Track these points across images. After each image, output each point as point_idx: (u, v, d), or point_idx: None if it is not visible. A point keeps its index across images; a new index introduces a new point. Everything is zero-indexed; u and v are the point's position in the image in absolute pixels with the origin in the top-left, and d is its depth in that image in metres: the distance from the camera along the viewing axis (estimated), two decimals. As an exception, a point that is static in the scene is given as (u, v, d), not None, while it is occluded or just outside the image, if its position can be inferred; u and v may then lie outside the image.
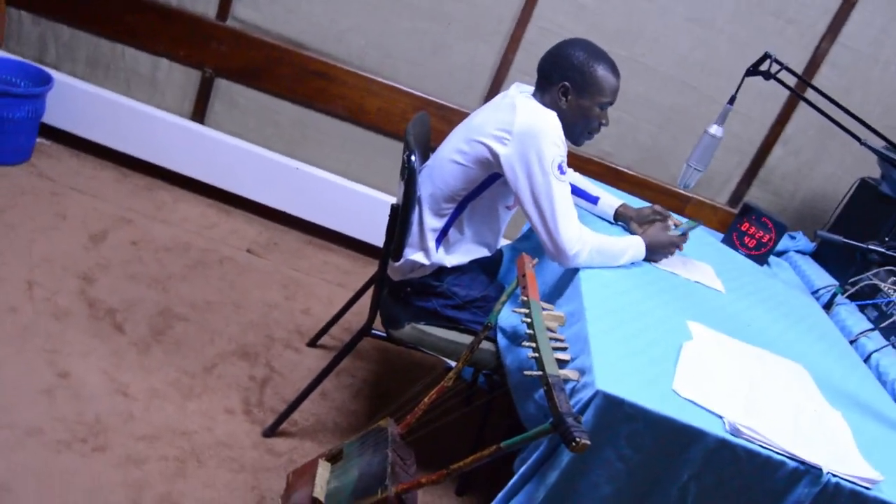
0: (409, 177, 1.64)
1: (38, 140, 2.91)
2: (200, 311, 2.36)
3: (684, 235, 1.89)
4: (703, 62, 2.66)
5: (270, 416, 2.03)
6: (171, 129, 2.88)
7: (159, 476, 1.75)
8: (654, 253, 1.83)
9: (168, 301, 2.34)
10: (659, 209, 1.97)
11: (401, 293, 1.87)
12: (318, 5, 2.70)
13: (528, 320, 1.44)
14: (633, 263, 1.79)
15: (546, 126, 1.60)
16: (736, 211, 2.82)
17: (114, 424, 1.84)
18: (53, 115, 2.89)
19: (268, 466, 1.89)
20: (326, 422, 2.10)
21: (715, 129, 1.86)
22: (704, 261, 2.06)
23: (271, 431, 1.97)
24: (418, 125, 1.89)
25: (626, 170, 2.84)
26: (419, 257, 1.80)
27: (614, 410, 1.23)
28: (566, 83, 1.70)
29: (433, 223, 1.78)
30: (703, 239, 2.29)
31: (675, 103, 2.73)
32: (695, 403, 1.29)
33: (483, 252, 1.88)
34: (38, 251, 2.34)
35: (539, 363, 1.32)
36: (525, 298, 1.50)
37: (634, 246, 1.78)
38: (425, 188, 1.78)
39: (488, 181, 1.70)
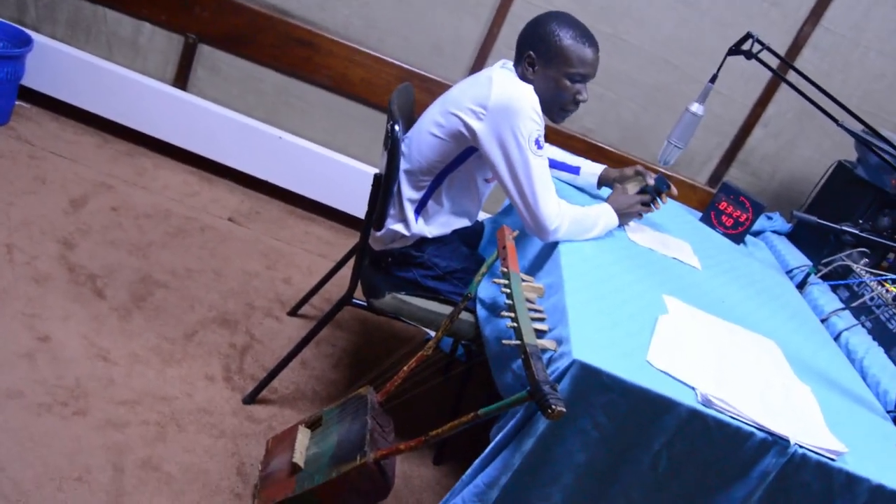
0: (392, 146, 1.65)
1: (18, 103, 2.87)
2: (181, 278, 2.35)
3: (648, 195, 1.92)
4: (686, 42, 2.68)
5: (250, 383, 2.05)
6: (152, 94, 2.85)
7: (140, 440, 1.76)
8: (623, 216, 1.86)
9: (148, 268, 2.34)
10: (640, 169, 1.97)
11: (382, 263, 1.88)
12: (304, -27, 2.67)
13: (508, 290, 1.47)
14: (610, 234, 1.82)
15: (522, 100, 1.60)
16: (715, 191, 2.86)
17: (94, 389, 1.85)
18: (33, 77, 2.85)
19: (247, 433, 1.90)
20: (306, 390, 2.12)
21: (696, 107, 1.88)
22: (682, 238, 2.09)
23: (251, 399, 1.99)
24: (403, 95, 1.89)
25: (608, 147, 2.86)
26: (400, 228, 1.82)
27: (590, 380, 1.26)
28: (531, 52, 1.69)
29: (412, 195, 1.79)
30: (682, 217, 2.33)
31: (658, 82, 2.75)
32: (668, 375, 1.32)
33: (464, 222, 1.90)
34: (16, 215, 2.32)
35: (517, 333, 1.35)
36: (505, 269, 1.52)
37: (605, 213, 1.80)
38: (404, 160, 1.78)
39: (464, 155, 1.71)
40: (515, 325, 1.37)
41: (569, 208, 1.69)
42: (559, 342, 1.34)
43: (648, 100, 2.78)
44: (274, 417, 1.99)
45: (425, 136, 1.74)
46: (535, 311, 1.46)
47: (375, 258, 1.90)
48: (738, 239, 2.29)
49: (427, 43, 2.75)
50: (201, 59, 2.84)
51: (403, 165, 1.79)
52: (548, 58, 1.69)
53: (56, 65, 2.83)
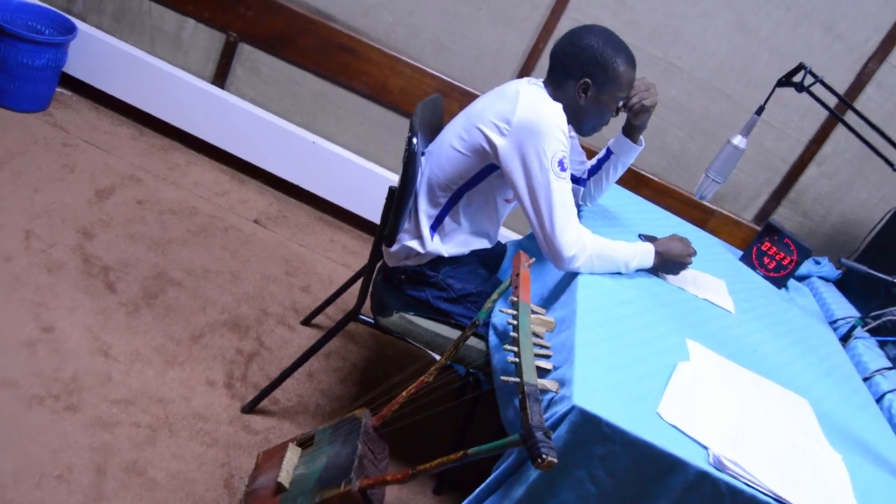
0: (408, 160, 1.57)
1: (58, 90, 2.90)
2: (196, 277, 2.31)
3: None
4: (741, 71, 2.54)
5: (252, 392, 1.98)
6: (191, 90, 2.84)
7: (128, 442, 1.71)
8: (666, 264, 1.73)
9: (165, 264, 2.30)
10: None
11: (394, 280, 1.80)
12: (348, -23, 2.63)
13: (514, 322, 1.37)
14: (637, 272, 1.70)
15: (549, 118, 1.51)
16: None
17: (90, 384, 1.80)
18: (75, 66, 2.87)
19: (241, 443, 1.84)
20: (309, 404, 2.05)
21: (738, 140, 1.75)
22: (719, 277, 1.95)
23: (250, 408, 1.92)
24: (429, 108, 1.81)
25: (650, 175, 2.73)
26: (414, 244, 1.73)
27: (590, 428, 1.15)
28: (587, 79, 1.61)
29: (428, 210, 1.71)
30: (721, 255, 2.19)
31: (708, 111, 2.61)
32: (678, 430, 1.20)
33: (483, 243, 1.80)
34: (40, 201, 2.31)
35: (518, 369, 1.25)
36: (515, 299, 1.42)
37: (642, 254, 1.68)
38: (423, 174, 1.70)
39: (484, 172, 1.62)
40: (517, 360, 1.27)
41: (593, 240, 1.57)
42: (562, 383, 1.23)
43: (696, 128, 2.64)
44: (271, 430, 1.91)
45: (446, 149, 1.65)
46: (542, 346, 1.35)
47: (388, 274, 1.82)
48: (779, 283, 2.13)
49: (470, 56, 2.68)
50: (241, 58, 2.82)
51: (422, 180, 1.71)
52: (603, 83, 1.62)
53: (98, 55, 2.84)
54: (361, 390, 2.18)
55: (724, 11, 2.47)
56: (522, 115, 1.52)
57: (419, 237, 1.73)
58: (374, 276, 1.89)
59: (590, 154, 1.99)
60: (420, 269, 1.75)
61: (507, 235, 2.80)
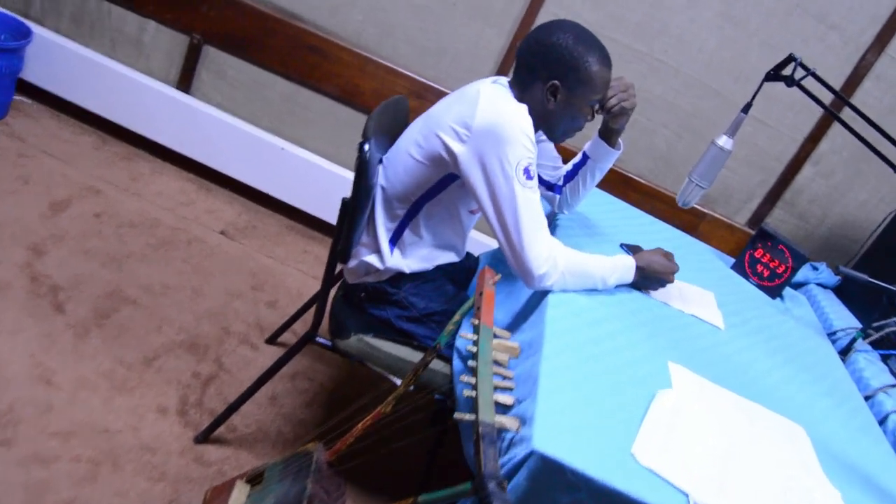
0: (359, 169, 1.43)
1: (17, 98, 2.76)
2: (154, 295, 2.17)
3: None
4: (730, 65, 2.40)
5: (207, 418, 1.84)
6: (154, 96, 2.70)
7: (66, 479, 1.57)
8: (647, 279, 1.59)
9: (120, 282, 2.17)
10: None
11: (355, 298, 1.66)
12: (315, -26, 2.49)
13: (475, 349, 1.23)
14: (618, 288, 1.56)
15: (512, 122, 1.36)
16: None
17: (28, 416, 1.67)
18: (33, 71, 2.74)
19: (192, 477, 1.70)
20: (269, 430, 1.91)
21: (724, 141, 1.61)
22: (708, 288, 1.81)
23: (204, 437, 1.79)
24: (389, 112, 1.67)
25: (636, 177, 2.59)
26: (373, 260, 1.59)
27: (552, 475, 1.01)
28: (556, 81, 1.47)
29: (386, 223, 1.57)
30: (710, 262, 2.05)
31: (696, 108, 2.47)
32: (655, 473, 1.06)
33: (449, 256, 1.67)
34: (-13, 216, 2.18)
35: (474, 405, 1.11)
36: (476, 322, 1.28)
37: (622, 269, 1.54)
38: (381, 183, 1.57)
39: (444, 181, 1.48)
40: (474, 393, 1.13)
41: (566, 254, 1.43)
42: (523, 421, 1.09)
43: (684, 127, 2.50)
44: (226, 461, 1.78)
45: (403, 157, 1.52)
46: (504, 376, 1.21)
47: (348, 292, 1.68)
48: (774, 292, 1.99)
49: (445, 54, 2.53)
50: (206, 61, 2.68)
51: (379, 190, 1.57)
52: (574, 85, 1.47)
53: (57, 60, 2.70)
54: (328, 414, 2.04)
55: (712, 2, 2.33)
56: (483, 118, 1.37)
57: (378, 252, 1.59)
58: (334, 293, 1.76)
59: (568, 156, 1.84)
60: (381, 286, 1.61)
61: (486, 244, 2.66)
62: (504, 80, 1.52)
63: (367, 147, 1.42)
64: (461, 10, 2.47)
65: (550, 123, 1.53)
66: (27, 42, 2.58)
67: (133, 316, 2.07)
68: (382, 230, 1.57)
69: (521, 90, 1.50)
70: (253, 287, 2.40)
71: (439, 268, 1.66)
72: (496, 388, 1.17)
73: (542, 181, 1.80)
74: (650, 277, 1.58)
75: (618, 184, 2.57)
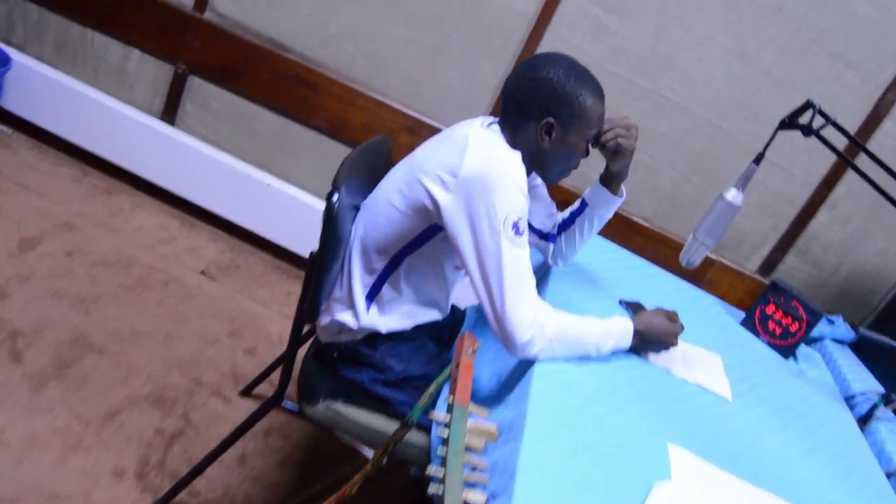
0: (327, 220, 1.29)
1: (-5, 127, 2.66)
2: (122, 342, 2.04)
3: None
4: (740, 104, 2.26)
5: (169, 482, 1.70)
6: (137, 128, 2.60)
7: (3, 555, 1.43)
8: (647, 343, 1.44)
9: (87, 327, 2.03)
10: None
11: (327, 357, 1.51)
12: (305, 4, 2.38)
13: (446, 433, 1.08)
14: (614, 353, 1.40)
15: (503, 171, 1.24)
16: (767, 281, 2.41)
17: (-32, 480, 1.53)
18: (13, 100, 2.64)
19: (145, 551, 1.55)
20: (236, 495, 1.76)
21: (732, 195, 1.46)
22: (714, 349, 1.66)
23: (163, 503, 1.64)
24: (367, 155, 1.54)
25: (640, 220, 2.45)
26: (347, 318, 1.45)
27: None
28: (550, 119, 1.34)
29: (363, 277, 1.43)
30: (718, 318, 1.89)
31: (705, 149, 2.33)
32: None
33: (431, 314, 1.52)
34: (-52, 255, 2.06)
35: (440, 501, 0.96)
36: (450, 399, 1.13)
37: (618, 333, 1.39)
38: (358, 233, 1.43)
39: (428, 233, 1.34)
40: (440, 489, 0.98)
41: (554, 320, 1.28)
42: (495, 527, 0.94)
43: (692, 168, 2.36)
44: (185, 532, 1.63)
45: (383, 206, 1.38)
46: (476, 467, 1.06)
47: (320, 350, 1.54)
48: (786, 352, 1.84)
49: (439, 88, 2.41)
50: (191, 92, 2.57)
51: (356, 241, 1.43)
52: (568, 121, 1.35)
53: (38, 89, 2.60)
54: (303, 477, 1.89)
55: (721, 37, 2.21)
56: (471, 166, 1.24)
57: (352, 309, 1.45)
58: (306, 349, 1.62)
59: (567, 197, 1.70)
60: (354, 346, 1.47)
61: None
62: (496, 123, 1.39)
63: (336, 197, 1.28)
64: (456, 42, 2.35)
65: (545, 164, 1.41)
66: (6, 70, 2.49)
67: (97, 365, 1.93)
68: (358, 285, 1.43)
69: (512, 131, 1.37)
70: (231, 333, 2.26)
71: (420, 326, 1.51)
72: (466, 483, 1.02)
73: (534, 229, 1.66)
74: (651, 342, 1.43)
75: (621, 227, 2.43)
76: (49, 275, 2.16)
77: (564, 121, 1.35)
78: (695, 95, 2.28)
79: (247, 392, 2.07)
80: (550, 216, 1.66)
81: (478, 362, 1.55)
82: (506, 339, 1.26)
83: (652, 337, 1.42)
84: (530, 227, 1.65)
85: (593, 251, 1.87)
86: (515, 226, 1.23)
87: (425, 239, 1.35)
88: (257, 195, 2.58)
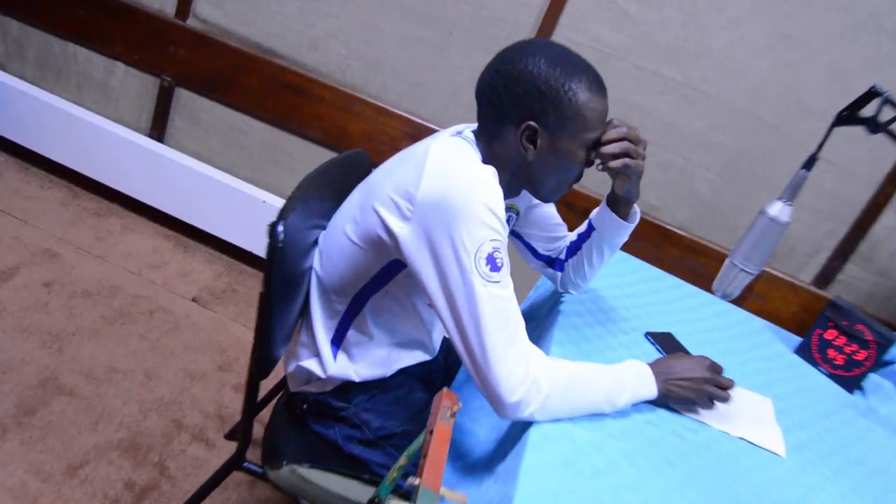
0: (269, 257, 1.07)
1: (-20, 151, 2.52)
2: (96, 382, 1.85)
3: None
4: (788, 93, 1.97)
5: (132, 548, 1.49)
6: (125, 146, 2.42)
7: None
8: (676, 393, 1.16)
9: (58, 366, 1.85)
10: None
11: (297, 409, 1.29)
12: (290, 4, 2.17)
13: (408, 529, 0.84)
14: (635, 407, 1.14)
15: (469, 192, 0.98)
16: (825, 294, 2.10)
17: None
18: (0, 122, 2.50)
19: None
20: (209, 562, 1.54)
21: (778, 209, 1.18)
22: (763, 388, 1.38)
23: (122, 577, 1.43)
24: (334, 174, 1.31)
25: (676, 229, 2.16)
26: (313, 365, 1.22)
27: None
28: (531, 123, 1.07)
29: (325, 321, 1.20)
30: (768, 347, 1.61)
31: (747, 146, 2.04)
32: None
33: (415, 356, 1.28)
34: None
35: None
36: (415, 482, 0.89)
37: (634, 381, 1.11)
38: (316, 268, 1.20)
39: (388, 271, 1.11)
40: None
41: (552, 371, 1.02)
42: None
43: (731, 169, 2.07)
44: None
45: (338, 237, 1.15)
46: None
47: (290, 400, 1.31)
48: (852, 385, 1.54)
49: (442, 90, 2.18)
50: (179, 105, 2.39)
51: (314, 278, 1.21)
52: (558, 123, 1.07)
53: (21, 108, 2.46)
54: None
55: (760, 18, 1.92)
56: (430, 187, 1.00)
57: (318, 356, 1.22)
58: (278, 397, 1.40)
59: (590, 205, 1.44)
60: (324, 398, 1.24)
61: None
62: (470, 131, 1.14)
63: (280, 230, 1.05)
64: (458, 40, 2.11)
65: (534, 179, 1.14)
66: (-16, 90, 2.34)
67: (65, 410, 1.74)
68: (321, 329, 1.21)
69: (488, 141, 1.12)
70: (220, 367, 2.06)
71: (404, 371, 1.27)
72: None
73: (539, 256, 1.40)
74: (681, 391, 1.15)
75: (653, 237, 2.15)
76: (21, 309, 1.98)
77: (552, 124, 1.07)
78: (732, 86, 1.99)
79: (233, 435, 1.86)
80: (555, 239, 1.40)
81: (477, 409, 1.31)
82: (492, 400, 1.00)
83: (681, 383, 1.15)
84: (533, 252, 1.40)
85: (614, 270, 1.61)
86: (491, 259, 0.98)
87: (387, 277, 1.12)
88: (252, 213, 2.38)
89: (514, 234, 1.38)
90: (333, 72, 2.22)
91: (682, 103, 2.02)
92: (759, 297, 2.15)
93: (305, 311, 1.23)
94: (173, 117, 2.41)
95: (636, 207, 1.29)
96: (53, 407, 1.74)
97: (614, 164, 1.11)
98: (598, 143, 1.11)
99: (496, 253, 0.98)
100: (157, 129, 2.43)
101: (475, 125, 1.16)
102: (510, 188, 1.14)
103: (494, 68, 1.10)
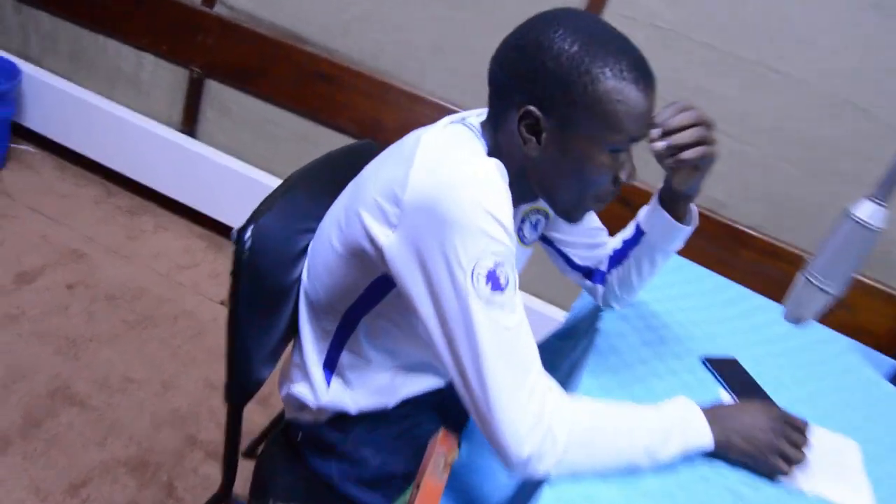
0: (236, 267, 0.90)
1: (15, 145, 2.48)
2: (110, 391, 1.75)
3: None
4: (882, 72, 1.68)
5: (128, 579, 1.37)
6: (158, 142, 2.33)
7: None
8: (737, 451, 0.92)
9: (72, 374, 1.76)
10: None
11: (291, 441, 1.13)
12: (320, -15, 2.02)
13: None
14: (686, 460, 0.91)
15: (462, 193, 0.78)
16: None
17: None
18: (33, 117, 2.45)
19: None
20: None
21: (868, 211, 0.94)
22: (846, 428, 1.13)
23: None
24: (335, 167, 1.14)
25: (747, 229, 1.90)
26: (304, 391, 1.06)
27: None
28: (531, 107, 0.85)
29: (315, 342, 1.03)
30: (855, 373, 1.35)
31: (833, 135, 1.76)
32: None
33: (424, 383, 1.10)
34: (-72, 294, 1.85)
35: None
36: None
37: (682, 428, 0.89)
38: (303, 282, 1.03)
39: (377, 290, 0.92)
40: None
41: (573, 412, 0.82)
42: None
43: (815, 159, 1.80)
44: None
45: (323, 245, 0.98)
46: None
47: (286, 428, 1.16)
48: (962, 422, 1.27)
49: (481, 76, 1.97)
50: (209, 97, 2.28)
51: (303, 293, 1.04)
52: (570, 116, 0.84)
53: (53, 103, 2.40)
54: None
55: (851, -15, 1.64)
56: (419, 187, 0.81)
57: (308, 380, 1.05)
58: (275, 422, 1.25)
59: (640, 200, 1.20)
60: (319, 429, 1.08)
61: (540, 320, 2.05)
62: (475, 116, 0.95)
63: (248, 234, 0.89)
64: (497, 22, 1.90)
65: (542, 184, 0.91)
66: (14, 83, 2.28)
67: (73, 423, 1.65)
68: (311, 351, 1.04)
69: (493, 131, 0.92)
70: (241, 376, 1.93)
71: (411, 401, 1.09)
72: None
73: (575, 266, 1.19)
74: (747, 445, 0.92)
75: (721, 238, 1.90)
76: (41, 313, 1.91)
77: (560, 113, 0.84)
78: (815, 65, 1.72)
79: (251, 451, 1.72)
80: (594, 246, 1.18)
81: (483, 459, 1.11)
82: (499, 453, 0.81)
83: (736, 441, 0.91)
84: (568, 261, 1.19)
85: (667, 279, 1.38)
86: (493, 276, 0.78)
87: (376, 296, 0.93)
88: (284, 212, 2.25)
89: (545, 241, 1.18)
90: (366, 58, 2.05)
91: (755, 85, 1.76)
92: (845, 309, 1.86)
93: (296, 328, 1.06)
94: (204, 110, 2.30)
95: (693, 207, 1.07)
96: (62, 418, 1.65)
97: (688, 155, 0.86)
98: (667, 132, 0.86)
99: (500, 269, 0.79)
100: (189, 123, 2.33)
101: (472, 111, 0.97)
102: (524, 191, 0.94)
103: (506, 40, 0.90)
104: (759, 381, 1.13)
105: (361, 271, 0.91)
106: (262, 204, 0.95)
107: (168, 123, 2.35)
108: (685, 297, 1.35)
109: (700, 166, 0.92)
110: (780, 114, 1.77)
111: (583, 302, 1.34)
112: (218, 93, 2.25)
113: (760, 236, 1.90)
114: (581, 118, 0.83)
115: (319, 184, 1.09)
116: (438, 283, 0.79)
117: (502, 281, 0.79)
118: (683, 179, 0.96)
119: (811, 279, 0.98)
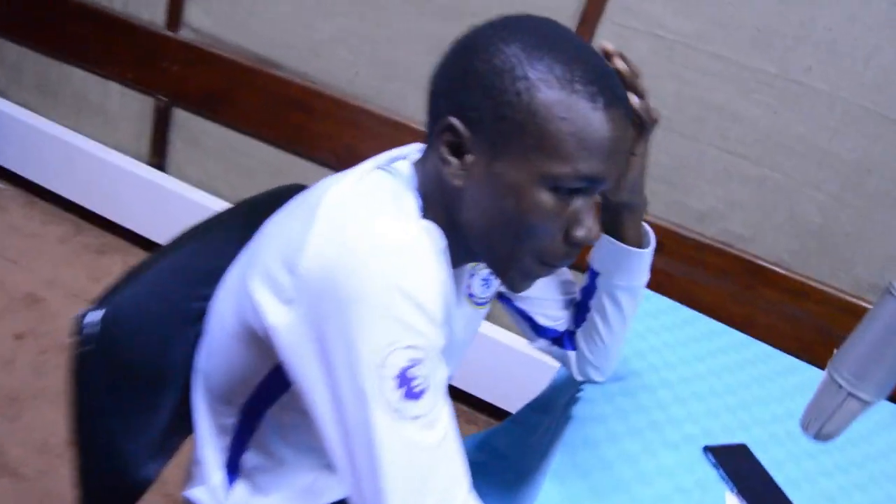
0: (76, 360, 0.70)
1: (-16, 184, 2.34)
2: (50, 456, 1.57)
3: None
4: (926, 84, 1.44)
5: None
6: (126, 177, 2.17)
7: None
8: None
9: (8, 438, 1.58)
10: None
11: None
12: (287, 4, 1.84)
13: None
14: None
15: (370, 266, 0.58)
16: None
17: None
18: (4, 153, 2.31)
19: None
20: None
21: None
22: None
23: None
24: (248, 218, 0.94)
25: (771, 266, 1.66)
26: (202, 496, 0.85)
27: None
28: (452, 119, 0.65)
29: (214, 438, 0.82)
30: (883, 433, 1.09)
31: (867, 156, 1.52)
32: None
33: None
34: None
35: None
36: None
37: None
38: (197, 359, 0.83)
39: (280, 377, 0.70)
40: None
41: None
42: None
43: (849, 185, 1.55)
44: None
45: (218, 320, 0.77)
46: None
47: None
48: None
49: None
50: (177, 127, 2.11)
51: (200, 373, 0.83)
52: (499, 129, 0.63)
53: (22, 138, 2.26)
54: None
55: (885, -16, 1.40)
56: (318, 256, 0.60)
57: (206, 484, 0.84)
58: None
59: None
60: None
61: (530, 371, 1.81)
62: (416, 153, 0.74)
63: (90, 321, 0.68)
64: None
65: (472, 228, 0.68)
66: (-26, 119, 2.14)
67: (3, 495, 1.46)
68: (210, 449, 0.83)
69: (423, 165, 0.72)
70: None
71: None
72: None
73: (541, 330, 0.96)
74: None
75: (739, 275, 1.66)
76: (-17, 367, 1.74)
77: (489, 128, 0.63)
78: (847, 78, 1.48)
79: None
80: (564, 304, 0.95)
81: None
82: None
83: None
84: (532, 325, 0.96)
85: (669, 337, 1.14)
86: (405, 380, 0.57)
87: (279, 385, 0.72)
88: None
89: (504, 300, 0.96)
90: (341, 82, 1.86)
91: (778, 102, 1.53)
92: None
93: (186, 421, 0.85)
94: (173, 140, 2.13)
95: (646, 225, 0.84)
96: (-12, 493, 1.46)
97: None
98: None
99: (416, 368, 0.57)
100: (157, 155, 2.16)
101: (408, 148, 0.76)
102: (468, 243, 0.72)
103: (449, 54, 0.69)
104: (775, 477, 0.90)
105: (257, 355, 0.70)
106: (128, 273, 0.75)
107: (136, 156, 2.18)
108: (690, 362, 1.12)
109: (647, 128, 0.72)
110: (809, 133, 1.54)
111: (564, 371, 1.12)
112: (185, 122, 2.08)
113: (782, 272, 1.66)
114: (512, 137, 0.62)
115: (226, 237, 0.89)
116: (337, 382, 0.58)
117: (416, 386, 0.57)
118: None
119: (838, 378, 0.73)
